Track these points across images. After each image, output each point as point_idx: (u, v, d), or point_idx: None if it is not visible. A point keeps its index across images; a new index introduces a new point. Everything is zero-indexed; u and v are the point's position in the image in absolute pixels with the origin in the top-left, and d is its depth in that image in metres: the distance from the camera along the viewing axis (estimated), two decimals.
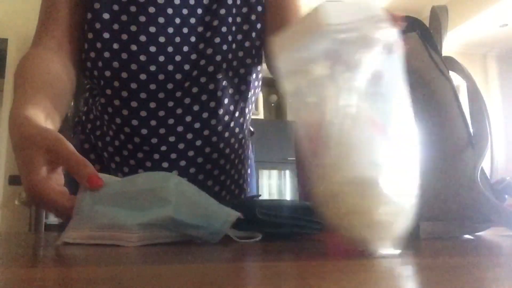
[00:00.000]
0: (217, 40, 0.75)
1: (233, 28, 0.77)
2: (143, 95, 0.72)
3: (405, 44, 0.43)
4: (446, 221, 0.59)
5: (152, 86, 0.72)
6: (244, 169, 0.88)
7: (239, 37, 0.78)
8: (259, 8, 0.80)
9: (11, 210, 3.16)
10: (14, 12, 3.43)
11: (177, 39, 0.73)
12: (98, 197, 0.46)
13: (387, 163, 0.40)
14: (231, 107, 0.79)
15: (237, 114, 0.81)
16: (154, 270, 0.28)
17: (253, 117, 0.93)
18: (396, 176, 0.40)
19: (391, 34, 0.42)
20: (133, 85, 0.72)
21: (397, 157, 0.41)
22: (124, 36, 0.71)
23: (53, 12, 0.74)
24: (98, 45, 0.71)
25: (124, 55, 0.71)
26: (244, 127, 0.85)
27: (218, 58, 0.75)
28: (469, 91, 0.64)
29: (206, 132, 0.76)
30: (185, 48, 0.73)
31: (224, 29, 0.76)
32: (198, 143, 0.76)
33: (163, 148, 0.74)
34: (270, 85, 4.06)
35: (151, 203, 0.46)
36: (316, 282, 0.25)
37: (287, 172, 3.70)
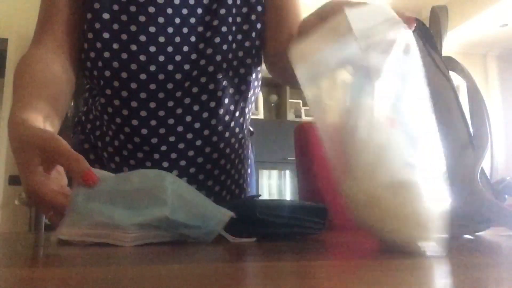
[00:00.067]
0: (217, 40, 0.75)
1: (233, 28, 0.77)
2: (143, 95, 0.72)
3: None
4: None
5: (152, 86, 0.72)
6: (244, 169, 0.88)
7: (239, 37, 0.78)
8: (259, 8, 0.80)
9: (11, 210, 3.16)
10: (14, 12, 3.43)
11: (177, 39, 0.73)
12: (92, 193, 0.46)
13: (418, 162, 0.40)
14: (231, 107, 0.79)
15: (237, 114, 0.81)
16: (153, 271, 0.28)
17: (253, 117, 0.93)
18: (428, 174, 0.41)
19: (407, 34, 0.42)
20: (133, 85, 0.72)
21: (424, 155, 0.41)
22: (124, 36, 0.71)
23: (53, 12, 0.74)
24: (98, 45, 0.71)
25: (124, 55, 0.71)
26: (244, 127, 0.85)
27: (218, 58, 0.75)
28: (469, 91, 0.64)
29: (206, 132, 0.76)
30: (185, 48, 0.73)
31: (224, 29, 0.76)
32: (198, 143, 0.76)
33: (163, 148, 0.74)
34: (270, 85, 4.06)
35: (147, 202, 0.46)
36: (316, 282, 0.25)
37: (287, 172, 3.70)
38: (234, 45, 0.77)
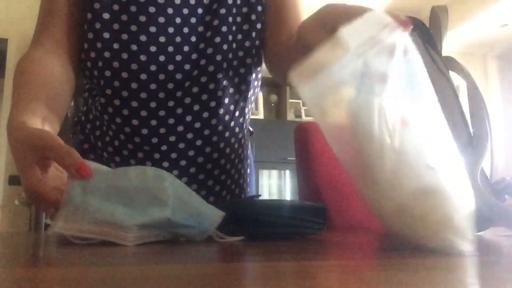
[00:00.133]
0: (218, 39, 0.75)
1: (234, 28, 0.77)
2: (143, 95, 0.72)
3: None
4: None
5: (153, 86, 0.72)
6: (244, 169, 0.88)
7: (239, 36, 0.78)
8: (259, 8, 0.80)
9: (11, 210, 3.16)
10: (14, 12, 3.43)
11: (178, 39, 0.73)
12: (89, 188, 0.46)
13: (438, 163, 0.41)
14: (231, 107, 0.79)
15: (237, 113, 0.81)
16: (154, 271, 0.28)
17: (253, 117, 0.93)
18: (449, 174, 0.41)
19: (404, 37, 0.43)
20: (134, 85, 0.72)
21: (442, 156, 0.42)
22: (124, 36, 0.71)
23: (52, 12, 0.74)
24: (98, 45, 0.71)
25: (125, 55, 0.71)
26: (244, 127, 0.85)
27: (219, 57, 0.75)
28: (469, 91, 0.64)
29: (206, 132, 0.76)
30: (186, 48, 0.73)
31: (224, 28, 0.76)
32: (199, 142, 0.76)
33: (164, 147, 0.74)
34: (270, 85, 4.06)
35: (148, 202, 0.46)
36: (316, 282, 0.25)
37: (287, 172, 3.70)
38: (234, 45, 0.77)
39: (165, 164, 0.75)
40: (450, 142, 0.44)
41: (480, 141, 0.60)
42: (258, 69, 0.84)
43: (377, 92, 0.41)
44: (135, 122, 0.73)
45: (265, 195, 3.61)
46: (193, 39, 0.74)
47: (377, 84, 0.41)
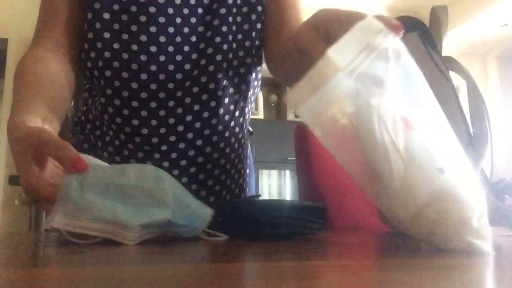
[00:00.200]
0: (218, 39, 0.75)
1: (234, 28, 0.77)
2: (143, 95, 0.72)
3: (405, 44, 0.44)
4: None
5: (153, 86, 0.72)
6: (244, 169, 0.88)
7: (240, 36, 0.78)
8: (259, 8, 0.80)
9: (11, 210, 3.16)
10: (14, 12, 3.43)
11: (178, 39, 0.73)
12: (86, 183, 0.45)
13: (446, 165, 0.41)
14: (231, 107, 0.79)
15: (237, 113, 0.81)
16: (153, 271, 0.28)
17: (253, 117, 0.93)
18: (458, 174, 0.42)
19: (395, 40, 0.43)
20: (134, 85, 0.72)
21: (449, 156, 0.42)
22: (125, 36, 0.71)
23: (53, 12, 0.74)
24: (99, 45, 0.71)
25: (125, 55, 0.71)
26: (244, 126, 0.85)
27: (219, 57, 0.75)
28: (469, 91, 0.64)
29: (206, 132, 0.76)
30: (186, 48, 0.74)
31: (224, 28, 0.76)
32: (199, 142, 0.76)
33: (164, 147, 0.74)
34: (270, 85, 4.06)
35: (147, 202, 0.47)
36: (316, 282, 0.25)
37: (287, 172, 3.70)
38: (234, 45, 0.77)
39: (165, 164, 0.75)
40: (455, 142, 0.44)
41: (480, 141, 0.60)
42: (258, 69, 0.84)
43: (375, 98, 0.41)
44: (135, 122, 0.73)
45: (265, 195, 3.61)
46: (193, 39, 0.74)
47: (375, 90, 0.41)
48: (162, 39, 0.72)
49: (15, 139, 0.52)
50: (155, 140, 0.74)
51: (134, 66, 0.71)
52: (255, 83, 0.84)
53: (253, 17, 0.80)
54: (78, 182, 0.45)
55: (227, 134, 0.79)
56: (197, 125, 0.75)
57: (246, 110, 0.84)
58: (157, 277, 0.25)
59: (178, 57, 0.73)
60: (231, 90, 0.78)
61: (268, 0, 0.82)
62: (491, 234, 0.41)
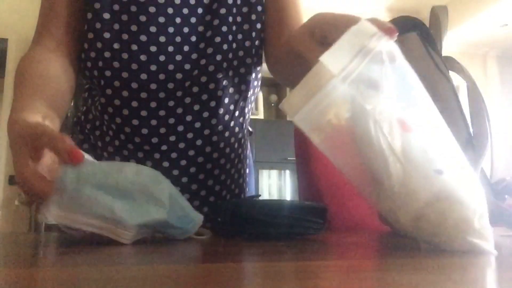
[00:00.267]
0: (218, 39, 0.75)
1: (234, 28, 0.77)
2: (143, 95, 0.72)
3: (405, 44, 0.44)
4: None
5: (153, 86, 0.72)
6: (243, 169, 0.88)
7: (240, 36, 0.78)
8: (259, 8, 0.80)
9: (11, 210, 3.16)
10: (14, 12, 3.43)
11: (178, 39, 0.73)
12: (83, 176, 0.45)
13: (445, 166, 0.41)
14: (231, 107, 0.79)
15: (237, 113, 0.81)
16: (153, 271, 0.28)
17: (253, 117, 0.93)
18: (458, 175, 0.42)
19: (389, 43, 0.43)
20: (134, 85, 0.72)
21: (446, 157, 0.42)
22: (125, 36, 0.71)
23: (53, 12, 0.74)
24: (99, 45, 0.71)
25: (125, 55, 0.71)
26: (244, 126, 0.85)
27: (219, 57, 0.75)
28: (469, 91, 0.64)
29: (206, 132, 0.76)
30: (186, 48, 0.74)
31: (224, 28, 0.76)
32: (199, 142, 0.76)
33: (164, 147, 0.74)
34: (270, 85, 4.06)
35: (146, 201, 0.47)
36: (316, 282, 0.25)
37: (287, 172, 3.70)
38: (234, 45, 0.77)
39: (165, 164, 0.75)
40: (452, 143, 0.44)
41: (480, 141, 0.60)
42: (258, 69, 0.84)
43: (371, 102, 0.41)
44: (135, 122, 0.73)
45: (265, 195, 3.61)
46: (193, 39, 0.74)
47: (370, 94, 0.41)
48: (162, 39, 0.72)
49: (14, 133, 0.52)
50: (155, 140, 0.74)
51: (134, 66, 0.71)
52: (255, 83, 0.84)
53: (253, 17, 0.80)
54: (74, 174, 0.45)
55: (227, 134, 0.79)
56: (197, 125, 0.75)
57: (246, 110, 0.84)
58: (156, 277, 0.25)
59: (178, 57, 0.73)
60: (231, 90, 0.78)
61: (268, 0, 0.82)
62: (492, 234, 0.41)
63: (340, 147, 0.44)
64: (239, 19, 0.78)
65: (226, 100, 0.78)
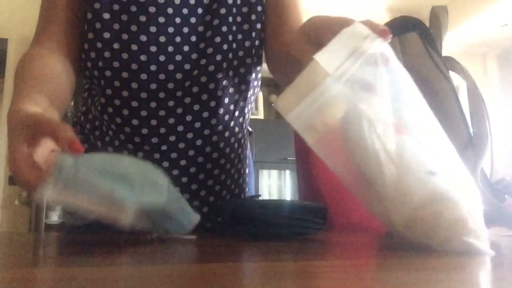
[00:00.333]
0: (218, 39, 0.75)
1: (234, 28, 0.77)
2: (143, 95, 0.72)
3: (405, 44, 0.44)
4: None
5: (153, 86, 0.72)
6: (243, 169, 0.88)
7: (240, 36, 0.78)
8: (259, 8, 0.80)
9: (11, 210, 3.16)
10: (14, 12, 3.43)
11: (178, 39, 0.73)
12: (81, 161, 0.44)
13: (438, 167, 0.41)
14: (231, 107, 0.79)
15: (237, 113, 0.81)
16: (152, 271, 0.28)
17: (253, 117, 0.93)
18: (453, 176, 0.42)
19: (383, 45, 0.43)
20: (134, 85, 0.72)
21: (440, 159, 0.42)
22: (125, 36, 0.71)
23: (53, 12, 0.74)
24: (99, 45, 0.71)
25: (125, 55, 0.71)
26: (244, 126, 0.85)
27: (219, 57, 0.75)
28: (469, 91, 0.64)
29: (206, 132, 0.76)
30: (186, 48, 0.74)
31: (224, 28, 0.76)
32: (198, 142, 0.76)
33: (164, 147, 0.74)
34: (270, 85, 4.06)
35: (146, 186, 0.46)
36: (316, 282, 0.25)
37: (287, 172, 3.70)
38: (234, 45, 0.77)
39: (165, 163, 0.75)
40: (447, 144, 0.44)
41: (480, 141, 0.60)
42: (258, 69, 0.84)
43: (365, 104, 0.41)
44: (135, 122, 0.73)
45: (265, 195, 3.61)
46: (193, 39, 0.74)
47: (364, 95, 0.41)
48: (162, 39, 0.72)
49: (14, 122, 0.51)
50: (155, 140, 0.74)
51: (134, 66, 0.71)
52: (255, 83, 0.84)
53: (253, 17, 0.80)
54: (73, 159, 0.44)
55: (227, 134, 0.79)
56: (197, 125, 0.75)
57: (246, 110, 0.84)
58: (156, 278, 0.25)
59: (178, 57, 0.73)
60: (231, 90, 0.78)
61: (268, 0, 0.82)
62: (488, 234, 0.41)
63: (334, 147, 0.44)
64: (239, 19, 0.78)
65: (226, 100, 0.78)
